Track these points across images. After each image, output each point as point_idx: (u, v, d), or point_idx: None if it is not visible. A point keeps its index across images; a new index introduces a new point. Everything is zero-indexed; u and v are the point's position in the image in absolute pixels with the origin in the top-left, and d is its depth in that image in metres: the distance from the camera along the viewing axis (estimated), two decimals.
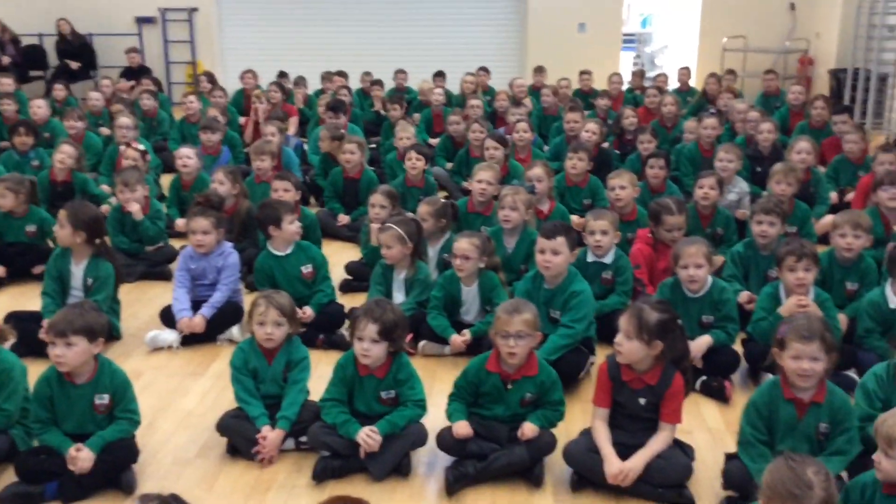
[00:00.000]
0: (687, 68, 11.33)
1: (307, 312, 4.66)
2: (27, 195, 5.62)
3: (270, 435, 3.47)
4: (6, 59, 12.12)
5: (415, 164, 6.48)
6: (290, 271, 4.82)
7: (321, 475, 3.37)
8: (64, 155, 6.58)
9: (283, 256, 4.83)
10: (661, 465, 3.21)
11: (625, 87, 10.81)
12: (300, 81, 10.79)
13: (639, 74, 11.46)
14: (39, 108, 8.50)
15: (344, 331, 4.62)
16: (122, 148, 6.88)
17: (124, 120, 7.54)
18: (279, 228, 4.78)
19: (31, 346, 4.30)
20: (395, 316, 3.38)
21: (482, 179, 5.73)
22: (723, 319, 4.20)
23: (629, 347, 3.20)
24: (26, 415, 3.44)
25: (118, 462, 3.30)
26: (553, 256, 4.12)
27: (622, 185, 5.56)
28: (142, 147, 6.78)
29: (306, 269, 4.83)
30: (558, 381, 3.48)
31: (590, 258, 4.73)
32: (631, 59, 15.89)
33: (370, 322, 3.34)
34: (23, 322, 4.41)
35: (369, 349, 3.36)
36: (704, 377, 4.12)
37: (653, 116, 8.94)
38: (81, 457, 3.20)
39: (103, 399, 3.34)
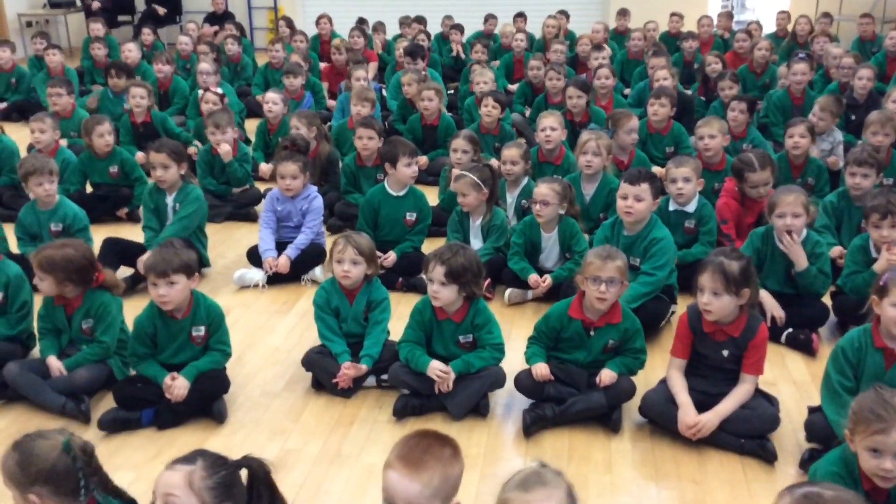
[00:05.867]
0: (786, 13, 10.78)
1: (390, 257, 4.73)
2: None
3: (356, 366, 3.58)
4: (96, 5, 12.44)
5: (490, 111, 6.38)
6: (395, 213, 4.88)
7: (401, 412, 3.46)
8: (137, 98, 6.73)
9: (394, 196, 4.88)
10: (746, 415, 3.17)
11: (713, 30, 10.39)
12: (379, 27, 10.76)
13: (726, 16, 11.00)
14: (130, 52, 8.72)
15: (423, 275, 4.68)
16: (201, 92, 7.02)
17: (204, 65, 7.66)
18: (393, 168, 4.83)
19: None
20: (465, 260, 3.39)
21: (545, 126, 5.64)
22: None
23: (720, 304, 3.15)
24: (123, 346, 3.63)
25: (210, 391, 3.45)
26: (636, 203, 4.05)
27: (711, 134, 5.35)
28: (220, 91, 6.88)
29: (411, 215, 4.89)
30: (641, 330, 3.46)
31: (672, 207, 4.64)
32: (720, 1, 15.21)
33: (438, 264, 3.38)
34: (123, 249, 4.71)
35: (438, 291, 3.40)
36: (790, 329, 4.03)
37: (742, 61, 8.60)
38: (177, 384, 3.36)
39: (200, 331, 3.49)
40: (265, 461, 2.12)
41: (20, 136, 6.90)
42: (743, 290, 3.13)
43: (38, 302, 3.77)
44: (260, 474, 2.09)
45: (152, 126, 6.80)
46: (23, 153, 6.00)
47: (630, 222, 4.14)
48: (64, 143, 6.21)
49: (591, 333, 3.42)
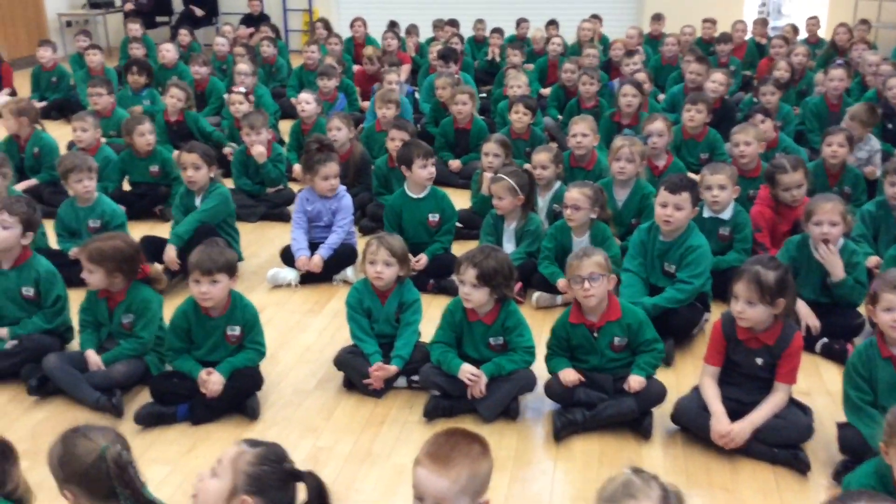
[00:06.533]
0: (815, 18, 10.66)
1: (422, 259, 4.75)
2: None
3: (386, 367, 3.60)
4: (129, 6, 12.64)
5: (521, 117, 6.36)
6: (417, 216, 4.89)
7: (432, 413, 3.48)
8: (174, 98, 6.87)
9: (415, 199, 4.90)
10: (779, 424, 3.14)
11: (747, 36, 10.31)
12: (412, 30, 10.80)
13: (761, 22, 10.89)
14: (168, 52, 8.84)
15: (454, 277, 4.69)
16: (226, 95, 7.08)
17: (242, 66, 7.75)
18: (409, 170, 4.85)
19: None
20: (496, 263, 3.40)
21: (577, 132, 5.62)
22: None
23: (754, 314, 3.13)
24: (160, 342, 3.69)
25: (244, 388, 3.50)
26: (675, 211, 4.02)
27: (747, 142, 5.28)
28: (243, 90, 6.95)
29: (433, 216, 4.89)
30: (647, 321, 3.45)
31: (706, 214, 4.60)
32: (756, 6, 15.07)
33: (470, 267, 3.39)
34: (158, 248, 4.74)
35: (469, 293, 3.42)
36: (825, 339, 4.00)
37: None
38: (212, 380, 3.41)
39: (235, 331, 3.53)
40: (323, 483, 2.12)
41: (59, 133, 7.04)
42: (778, 301, 3.11)
43: (75, 296, 3.84)
44: (313, 492, 2.10)
45: (185, 125, 6.92)
46: (62, 151, 6.11)
47: (668, 230, 4.12)
48: (103, 141, 6.32)
49: (595, 335, 3.42)
